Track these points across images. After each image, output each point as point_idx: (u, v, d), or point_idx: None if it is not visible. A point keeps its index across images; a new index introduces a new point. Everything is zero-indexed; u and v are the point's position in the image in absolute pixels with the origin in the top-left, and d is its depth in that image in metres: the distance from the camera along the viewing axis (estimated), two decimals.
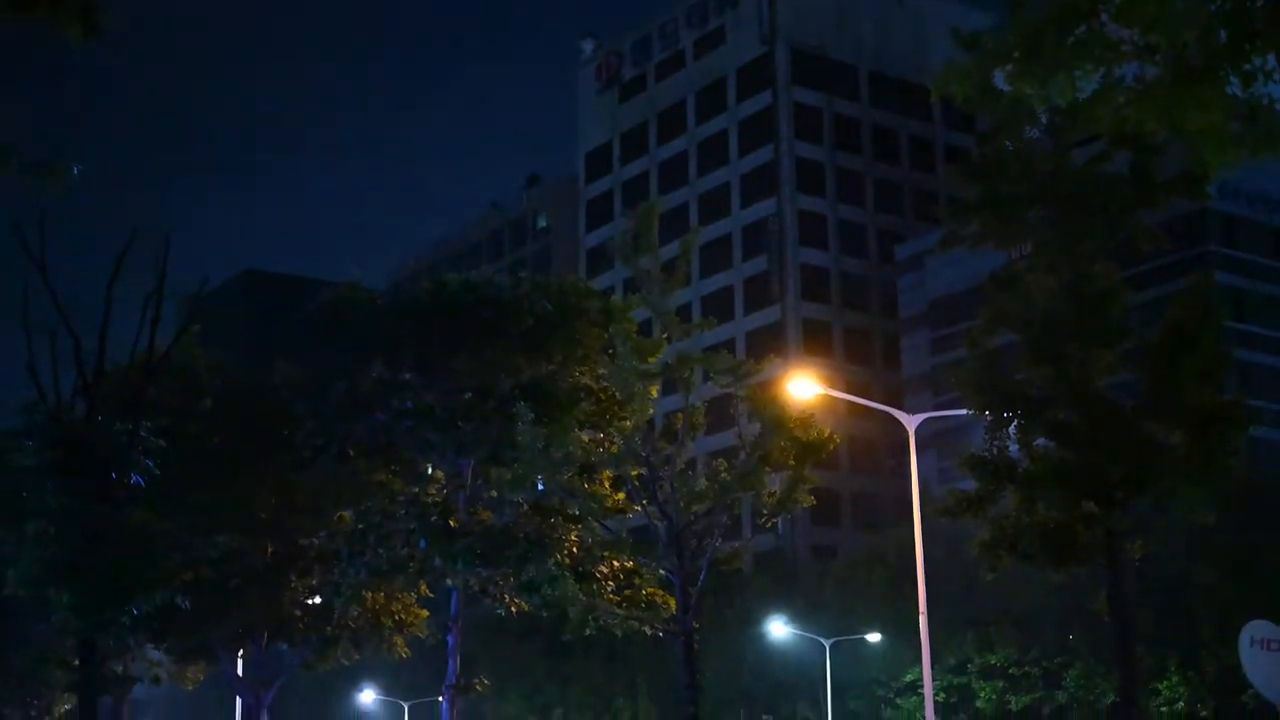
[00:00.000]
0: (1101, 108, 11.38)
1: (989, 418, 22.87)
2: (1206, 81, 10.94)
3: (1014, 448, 22.94)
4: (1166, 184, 21.77)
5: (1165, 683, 59.29)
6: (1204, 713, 59.07)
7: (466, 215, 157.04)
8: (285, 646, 45.96)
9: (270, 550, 43.75)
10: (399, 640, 44.60)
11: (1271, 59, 10.80)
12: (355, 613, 43.16)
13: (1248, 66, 10.81)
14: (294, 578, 43.72)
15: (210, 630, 43.16)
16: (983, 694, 66.00)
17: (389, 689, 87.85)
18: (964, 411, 25.89)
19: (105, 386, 37.54)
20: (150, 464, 37.18)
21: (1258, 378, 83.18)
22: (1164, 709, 58.98)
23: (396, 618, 43.95)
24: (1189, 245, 78.86)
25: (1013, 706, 65.70)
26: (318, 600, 44.07)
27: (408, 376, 39.57)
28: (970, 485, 23.58)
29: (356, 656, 46.62)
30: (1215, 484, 22.51)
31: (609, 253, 36.65)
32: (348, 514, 42.17)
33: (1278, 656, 35.73)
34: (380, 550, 39.19)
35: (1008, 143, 22.41)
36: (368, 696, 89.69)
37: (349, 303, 40.68)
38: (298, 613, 44.14)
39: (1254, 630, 36.60)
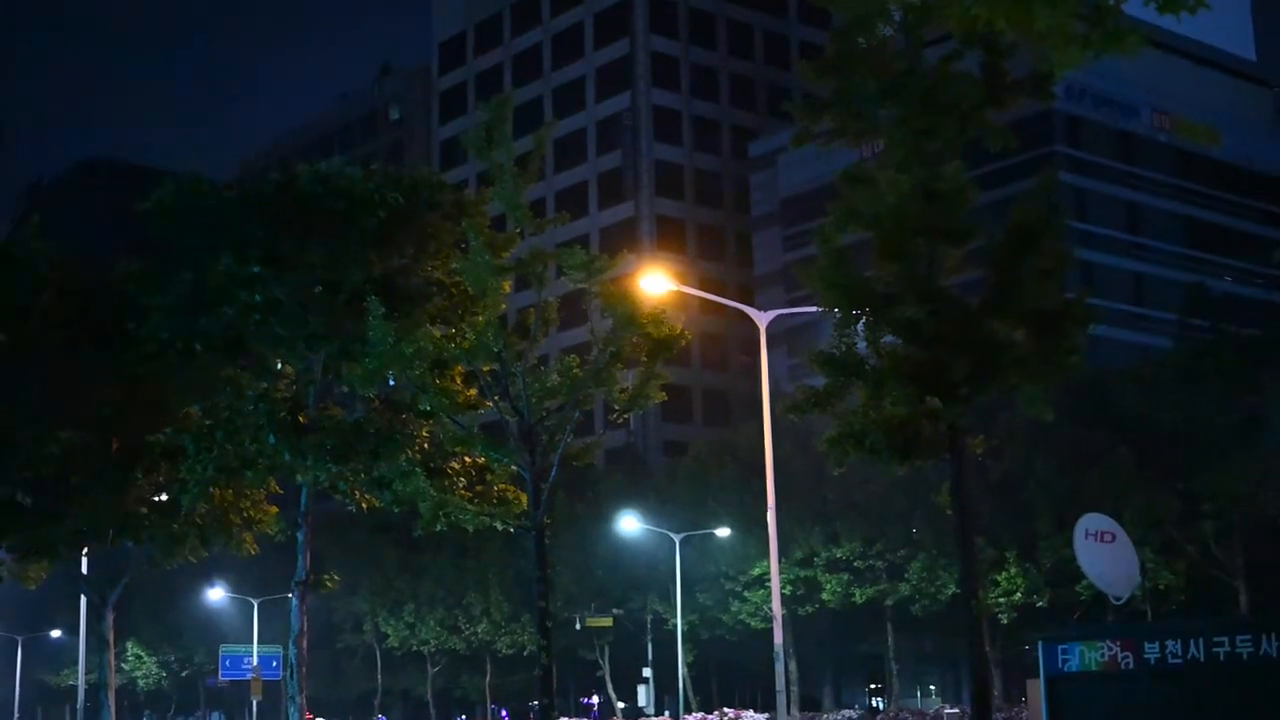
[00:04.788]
0: (952, 6, 11.44)
1: (838, 315, 23.04)
2: None
3: (862, 344, 23.16)
4: (1015, 84, 21.95)
5: (1004, 574, 60.95)
6: (1040, 603, 60.89)
7: (317, 106, 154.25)
8: (131, 544, 45.30)
9: (115, 446, 42.96)
10: (248, 537, 44.13)
11: None
12: (203, 509, 42.62)
13: None
14: (140, 474, 43.01)
15: (53, 528, 42.43)
16: (829, 586, 67.35)
17: (238, 586, 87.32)
18: (814, 308, 26.12)
19: None
20: None
21: (1098, 276, 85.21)
22: (1002, 600, 60.68)
23: (245, 514, 43.48)
24: (1035, 146, 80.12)
25: (857, 599, 67.19)
26: (164, 497, 43.44)
27: (256, 270, 38.82)
28: (819, 381, 23.82)
29: (204, 553, 46.11)
30: (1055, 380, 22.96)
31: (462, 146, 36.17)
32: (194, 410, 41.50)
33: (1110, 548, 36.91)
34: (228, 446, 38.62)
35: (861, 39, 22.38)
36: (216, 594, 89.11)
37: (194, 194, 39.72)
38: (144, 510, 43.46)
39: (1088, 523, 37.73)
